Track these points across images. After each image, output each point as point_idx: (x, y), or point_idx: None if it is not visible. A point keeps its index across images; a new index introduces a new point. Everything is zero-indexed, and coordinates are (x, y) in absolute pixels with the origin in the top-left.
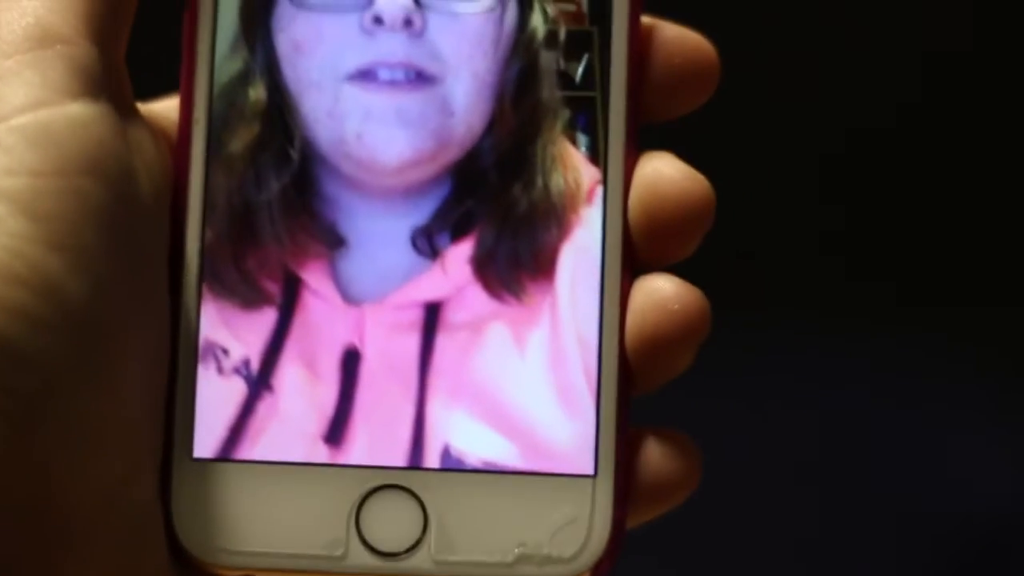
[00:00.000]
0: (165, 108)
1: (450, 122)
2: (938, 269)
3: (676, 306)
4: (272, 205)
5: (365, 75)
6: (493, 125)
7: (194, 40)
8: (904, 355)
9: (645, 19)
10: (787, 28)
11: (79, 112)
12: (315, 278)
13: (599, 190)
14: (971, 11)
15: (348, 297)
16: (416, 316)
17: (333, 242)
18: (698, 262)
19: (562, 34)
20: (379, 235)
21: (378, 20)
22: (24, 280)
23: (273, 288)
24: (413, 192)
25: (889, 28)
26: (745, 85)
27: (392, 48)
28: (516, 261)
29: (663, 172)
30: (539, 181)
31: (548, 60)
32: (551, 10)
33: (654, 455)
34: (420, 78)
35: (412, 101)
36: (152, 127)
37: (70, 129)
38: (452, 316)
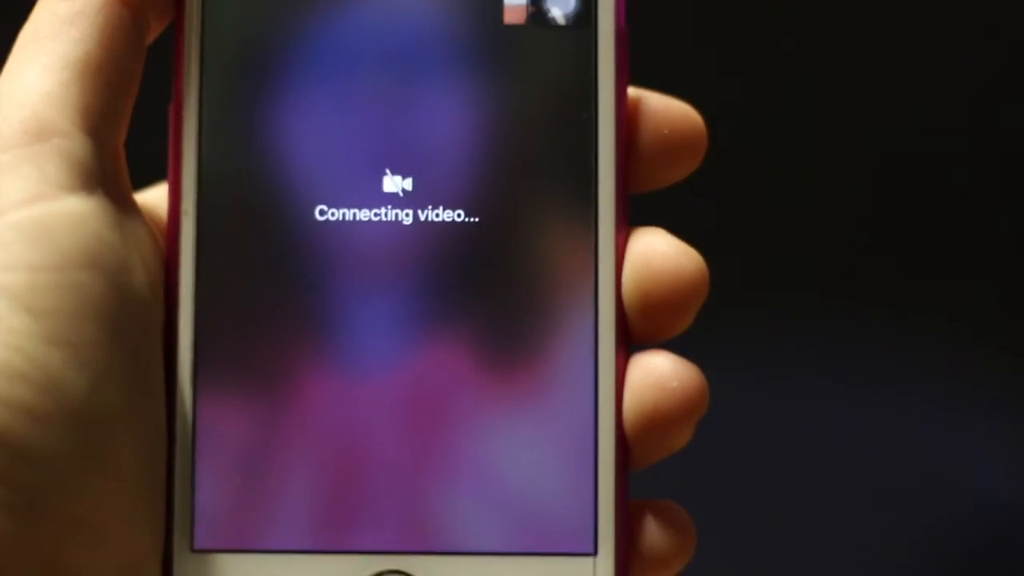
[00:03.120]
0: (161, 197)
1: (439, 211)
2: (939, 269)
3: (675, 384)
4: (264, 293)
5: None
6: (482, 206)
7: (180, 131)
8: (905, 354)
9: (631, 91)
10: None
11: (75, 206)
12: (310, 364)
13: (591, 266)
14: None
15: (343, 382)
16: (411, 399)
17: (327, 327)
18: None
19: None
20: (373, 319)
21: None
22: (25, 375)
23: (267, 375)
24: (405, 274)
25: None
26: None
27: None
28: (510, 341)
29: (656, 247)
30: (530, 259)
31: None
32: (537, 89)
33: (651, 530)
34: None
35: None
36: (148, 216)
37: (66, 223)
38: (447, 398)
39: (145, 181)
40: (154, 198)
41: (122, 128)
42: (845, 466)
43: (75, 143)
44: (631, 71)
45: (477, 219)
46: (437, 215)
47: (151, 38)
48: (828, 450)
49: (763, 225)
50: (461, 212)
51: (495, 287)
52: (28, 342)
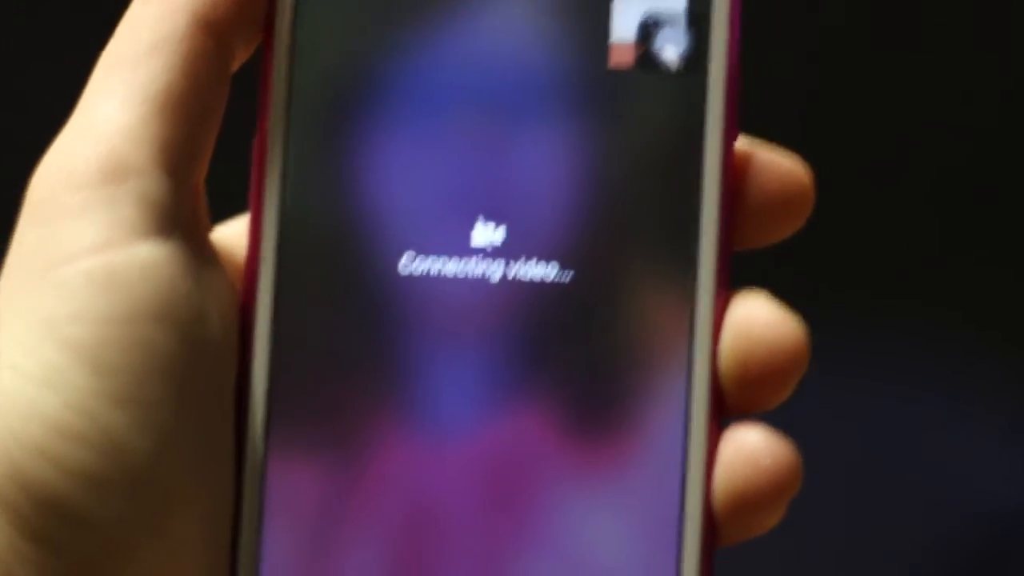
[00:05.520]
0: (241, 235)
1: (530, 267)
2: (941, 269)
3: (768, 461)
4: (342, 350)
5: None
6: (576, 262)
7: (263, 169)
8: (905, 354)
9: (740, 142)
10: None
11: (149, 254)
12: (388, 430)
13: (687, 332)
14: None
15: (422, 450)
16: (492, 469)
17: (408, 390)
18: None
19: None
20: (456, 382)
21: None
22: (86, 437)
23: (342, 440)
24: (492, 334)
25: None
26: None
27: (452, 178)
28: (597, 409)
29: (757, 315)
30: (624, 322)
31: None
32: (642, 138)
33: None
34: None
35: (487, 265)
36: (226, 257)
37: (139, 273)
38: (529, 469)
39: (226, 211)
40: (233, 236)
41: (203, 164)
42: (845, 466)
43: (153, 183)
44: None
45: (569, 277)
46: (527, 271)
47: (236, 66)
48: (828, 450)
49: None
50: (553, 268)
51: (584, 351)
52: (92, 401)
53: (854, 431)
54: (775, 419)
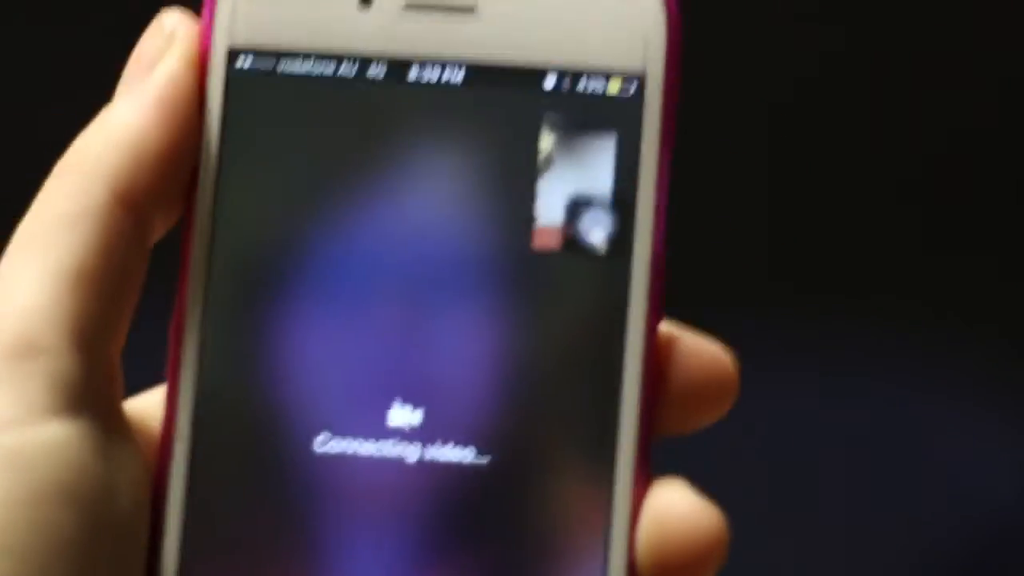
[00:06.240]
0: (155, 405)
1: (447, 449)
2: (939, 270)
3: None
4: (254, 529)
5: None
6: (494, 445)
7: (179, 351)
8: (904, 354)
9: (663, 329)
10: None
11: (56, 434)
12: None
13: (604, 521)
14: None
15: None
16: None
17: (323, 572)
18: (682, 259)
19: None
20: (369, 566)
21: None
22: None
23: None
24: (404, 521)
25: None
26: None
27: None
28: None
29: (674, 505)
30: (540, 509)
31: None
32: (564, 321)
33: None
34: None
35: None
36: (140, 430)
37: (45, 453)
38: None
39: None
40: (148, 407)
41: (119, 338)
42: (844, 466)
43: (64, 362)
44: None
45: (487, 460)
46: (444, 454)
47: (155, 239)
48: (827, 450)
49: (762, 224)
50: (470, 452)
51: (499, 538)
52: None
53: (853, 431)
54: (775, 418)
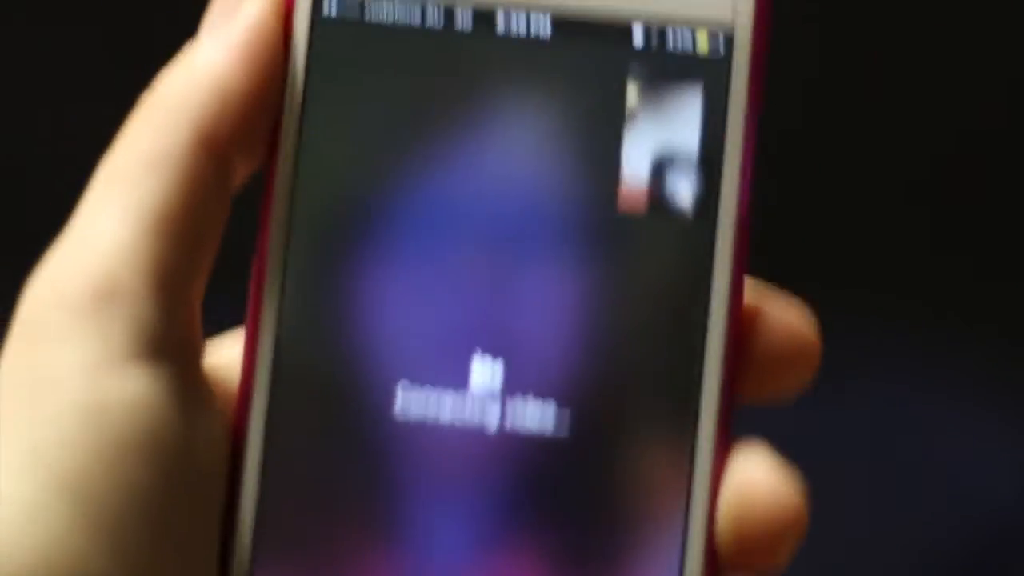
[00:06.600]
0: (233, 358)
1: (526, 414)
2: (939, 270)
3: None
4: (332, 490)
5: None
6: (574, 410)
7: (259, 301)
8: (905, 354)
9: (749, 293)
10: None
11: (137, 384)
12: (380, 569)
13: (685, 491)
14: None
15: None
16: None
17: (398, 537)
18: None
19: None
20: (445, 531)
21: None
22: (62, 567)
23: None
24: (483, 489)
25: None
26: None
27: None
28: (589, 566)
29: (757, 480)
30: (620, 476)
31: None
32: (648, 283)
33: None
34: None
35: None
36: (218, 381)
37: (125, 406)
38: None
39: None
40: (227, 358)
41: (199, 285)
42: (844, 466)
43: (146, 307)
44: None
45: (567, 422)
46: (525, 412)
47: (238, 185)
48: (827, 450)
49: (762, 223)
50: (551, 407)
51: (577, 506)
52: (71, 536)
53: (853, 431)
54: (773, 418)
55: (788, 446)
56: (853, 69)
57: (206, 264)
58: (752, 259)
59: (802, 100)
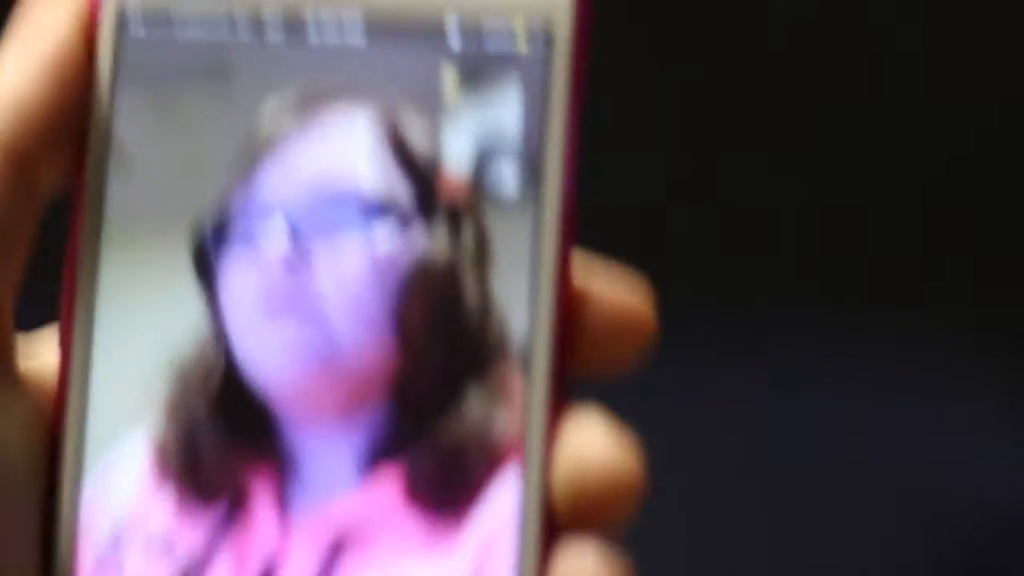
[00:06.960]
0: (50, 361)
1: (346, 355)
2: (939, 269)
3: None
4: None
5: (267, 310)
6: (406, 359)
7: (72, 308)
8: (904, 354)
9: (579, 261)
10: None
11: None
12: (256, 494)
13: (520, 459)
14: None
15: (274, 516)
16: (335, 537)
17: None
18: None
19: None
20: (315, 455)
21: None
22: None
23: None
24: (340, 417)
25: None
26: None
27: (275, 285)
28: (439, 496)
29: (590, 443)
30: (460, 417)
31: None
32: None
33: None
34: (308, 313)
35: (304, 336)
36: (32, 381)
37: None
38: (372, 539)
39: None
40: (44, 360)
41: (6, 287)
42: (844, 466)
43: None
44: None
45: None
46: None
47: (48, 191)
48: (827, 449)
49: (745, 225)
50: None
51: (426, 437)
52: None
53: (853, 431)
54: (775, 418)
55: (788, 445)
56: (848, 73)
57: (14, 268)
58: (752, 259)
59: (799, 100)
